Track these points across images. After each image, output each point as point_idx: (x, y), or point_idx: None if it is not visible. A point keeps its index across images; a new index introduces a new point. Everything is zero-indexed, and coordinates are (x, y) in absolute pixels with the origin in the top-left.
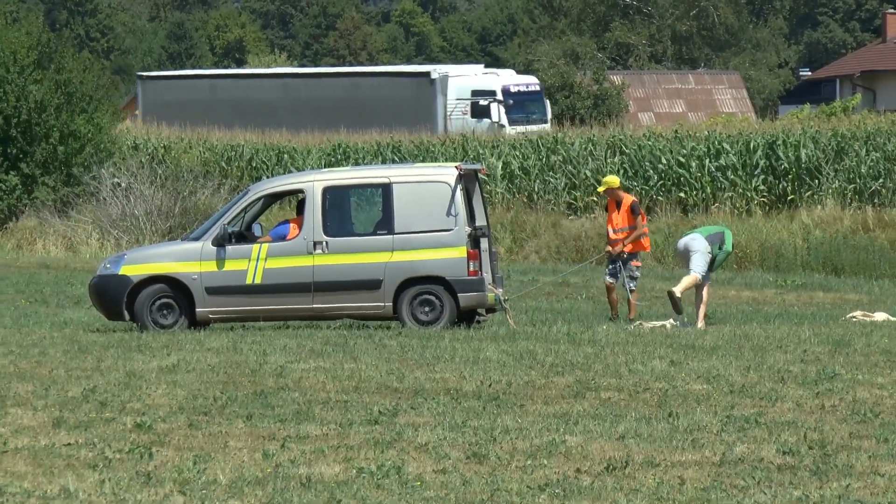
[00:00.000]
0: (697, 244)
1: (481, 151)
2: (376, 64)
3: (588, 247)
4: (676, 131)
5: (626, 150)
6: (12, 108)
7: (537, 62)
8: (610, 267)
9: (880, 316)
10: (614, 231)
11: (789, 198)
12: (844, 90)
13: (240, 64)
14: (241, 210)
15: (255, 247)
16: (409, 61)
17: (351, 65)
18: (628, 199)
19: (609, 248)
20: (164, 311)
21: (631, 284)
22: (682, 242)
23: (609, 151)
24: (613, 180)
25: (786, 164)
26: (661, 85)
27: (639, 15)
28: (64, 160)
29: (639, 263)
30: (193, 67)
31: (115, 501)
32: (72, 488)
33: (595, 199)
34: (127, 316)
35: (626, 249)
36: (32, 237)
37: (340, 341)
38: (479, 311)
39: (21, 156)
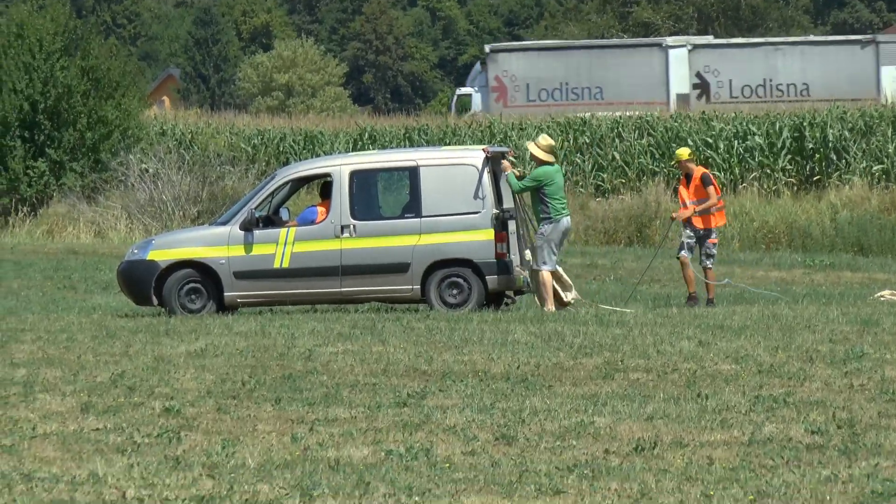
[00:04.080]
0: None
1: (509, 133)
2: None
3: (616, 228)
4: (704, 112)
5: (654, 132)
6: (39, 94)
7: None
8: (684, 242)
9: None
10: (684, 206)
11: (816, 178)
12: None
13: (266, 49)
14: (268, 195)
15: (283, 231)
16: (435, 45)
17: (377, 49)
18: (699, 171)
19: (674, 215)
20: (192, 296)
21: (708, 262)
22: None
23: (637, 133)
24: (683, 153)
25: (812, 145)
26: None
27: None
28: (92, 146)
29: (715, 241)
30: (220, 53)
31: (144, 486)
32: (100, 473)
33: (623, 181)
34: (155, 301)
35: (689, 215)
36: (62, 223)
37: (368, 324)
38: (507, 293)
39: (49, 142)
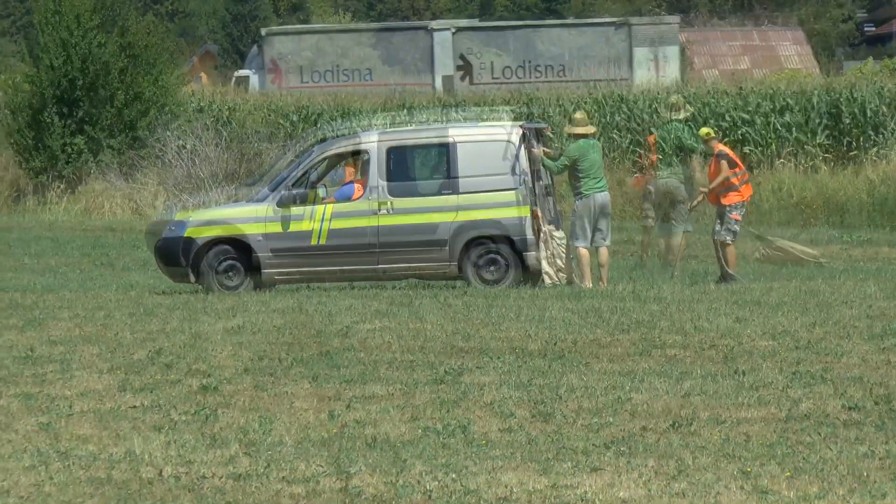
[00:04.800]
0: None
1: (547, 110)
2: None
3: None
4: (741, 88)
5: (691, 108)
6: (77, 70)
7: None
8: (717, 223)
9: None
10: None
11: (853, 153)
12: None
13: (304, 24)
14: (305, 171)
15: (320, 208)
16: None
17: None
18: (717, 148)
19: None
20: (230, 273)
21: (728, 238)
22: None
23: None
24: (702, 131)
25: (850, 120)
26: (725, 42)
27: None
28: (129, 123)
29: (738, 217)
30: (257, 28)
31: (181, 463)
32: (137, 450)
33: (661, 157)
34: (192, 278)
35: (705, 198)
36: (100, 200)
37: (405, 301)
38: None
39: (86, 119)
